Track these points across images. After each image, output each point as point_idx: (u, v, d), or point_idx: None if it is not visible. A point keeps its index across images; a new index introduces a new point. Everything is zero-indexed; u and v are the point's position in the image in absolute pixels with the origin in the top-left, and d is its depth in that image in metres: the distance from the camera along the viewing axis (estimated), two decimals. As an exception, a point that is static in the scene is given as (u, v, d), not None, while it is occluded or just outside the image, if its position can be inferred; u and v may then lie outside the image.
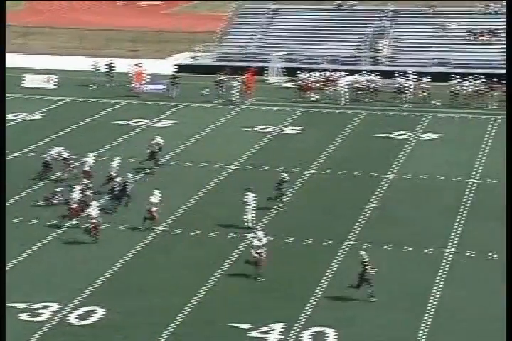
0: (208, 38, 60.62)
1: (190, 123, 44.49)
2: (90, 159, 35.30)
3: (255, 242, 26.76)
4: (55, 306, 24.26)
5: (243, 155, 39.10)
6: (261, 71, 52.85)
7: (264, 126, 43.85)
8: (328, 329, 23.58)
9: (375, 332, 23.52)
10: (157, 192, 30.38)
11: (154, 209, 30.12)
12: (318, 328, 23.68)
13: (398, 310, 24.60)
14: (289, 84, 51.30)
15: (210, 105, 48.21)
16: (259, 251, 26.59)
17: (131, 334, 23.09)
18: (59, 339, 22.69)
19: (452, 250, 28.91)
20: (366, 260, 24.98)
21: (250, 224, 30.57)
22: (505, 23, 55.15)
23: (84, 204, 31.09)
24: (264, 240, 26.86)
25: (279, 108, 47.49)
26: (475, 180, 35.80)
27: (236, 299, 25.54)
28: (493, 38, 56.07)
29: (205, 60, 57.73)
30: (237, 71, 50.47)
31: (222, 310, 24.66)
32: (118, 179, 32.65)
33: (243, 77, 49.74)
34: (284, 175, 32.72)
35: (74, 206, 30.89)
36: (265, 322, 23.97)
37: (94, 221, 29.48)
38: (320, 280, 26.73)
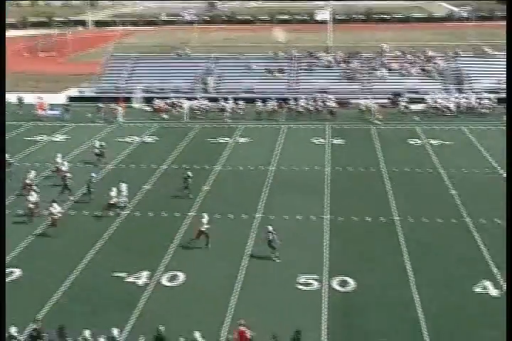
0: (90, 77, 59.61)
1: (80, 137, 43.87)
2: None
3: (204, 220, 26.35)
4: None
5: (117, 157, 39.17)
6: (128, 99, 52.73)
7: (132, 137, 43.94)
8: (179, 273, 24.36)
9: (210, 271, 24.46)
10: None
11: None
12: (173, 272, 24.33)
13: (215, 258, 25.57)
14: (148, 108, 51.55)
15: (93, 124, 47.68)
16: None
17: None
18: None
19: (260, 215, 29.91)
20: (272, 232, 25.23)
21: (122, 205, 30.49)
22: (286, 64, 57.38)
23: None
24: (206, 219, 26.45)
25: (141, 124, 47.53)
26: (273, 168, 37.18)
27: (116, 258, 25.81)
28: (280, 74, 58.04)
29: (89, 93, 56.83)
30: (112, 100, 50.34)
31: (107, 266, 24.91)
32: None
33: (116, 103, 49.53)
34: (189, 173, 32.29)
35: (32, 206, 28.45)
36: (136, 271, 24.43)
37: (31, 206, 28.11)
38: (172, 238, 27.39)
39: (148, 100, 52.75)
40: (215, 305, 22.19)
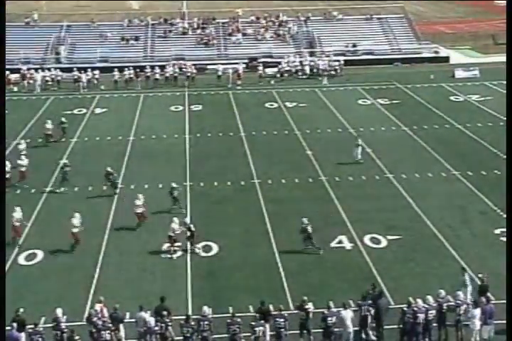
0: None
1: None
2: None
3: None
4: None
5: None
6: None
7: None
8: (37, 251, 23.31)
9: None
10: None
11: None
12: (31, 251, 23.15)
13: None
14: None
15: None
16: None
17: None
18: None
19: (120, 185, 28.94)
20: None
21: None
22: (142, 32, 55.81)
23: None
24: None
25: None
26: (132, 138, 36.27)
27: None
28: (136, 42, 56.42)
29: None
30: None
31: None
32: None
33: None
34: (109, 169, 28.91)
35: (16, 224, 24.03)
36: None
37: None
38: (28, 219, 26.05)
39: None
40: (78, 280, 21.38)
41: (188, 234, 23.29)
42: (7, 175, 28.40)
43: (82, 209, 25.73)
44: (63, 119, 29.99)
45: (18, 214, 24.19)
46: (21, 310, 18.11)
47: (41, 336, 17.07)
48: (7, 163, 29.13)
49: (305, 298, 18.11)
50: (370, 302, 18.02)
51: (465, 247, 23.15)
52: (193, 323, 17.35)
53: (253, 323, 17.34)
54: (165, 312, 17.56)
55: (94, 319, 17.53)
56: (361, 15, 61.06)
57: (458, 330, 17.87)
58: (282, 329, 17.41)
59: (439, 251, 23.12)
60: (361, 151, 31.77)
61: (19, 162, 29.52)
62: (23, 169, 29.44)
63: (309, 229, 23.04)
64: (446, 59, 55.89)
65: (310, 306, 17.93)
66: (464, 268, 20.33)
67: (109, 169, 28.70)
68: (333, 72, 50.25)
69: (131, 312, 18.59)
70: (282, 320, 17.47)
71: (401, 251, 23.23)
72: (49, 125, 35.14)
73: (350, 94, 45.48)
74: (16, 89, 46.61)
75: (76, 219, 23.51)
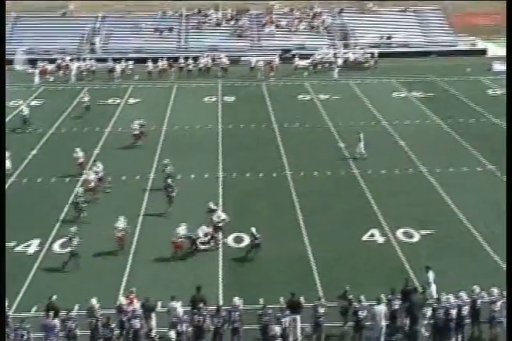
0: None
1: None
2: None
3: None
4: None
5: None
6: (10, 61, 49.35)
7: (15, 101, 41.29)
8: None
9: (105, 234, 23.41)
10: None
11: None
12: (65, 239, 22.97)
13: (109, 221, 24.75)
14: (32, 70, 48.30)
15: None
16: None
17: None
18: None
19: (153, 175, 29.09)
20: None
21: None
22: (176, 23, 55.95)
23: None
24: None
25: (25, 88, 44.91)
26: (165, 128, 36.37)
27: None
28: (170, 33, 56.48)
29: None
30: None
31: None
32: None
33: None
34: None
35: None
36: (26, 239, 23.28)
37: None
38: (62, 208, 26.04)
39: (32, 62, 49.67)
40: (110, 269, 21.54)
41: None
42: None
43: (116, 197, 25.95)
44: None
45: (121, 223, 22.62)
46: (54, 296, 18.30)
47: (74, 322, 17.25)
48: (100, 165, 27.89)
49: (347, 287, 18.05)
50: (401, 297, 17.81)
51: (500, 243, 22.69)
52: (223, 314, 17.35)
53: (279, 314, 17.25)
54: (201, 304, 17.50)
55: (125, 308, 17.65)
56: (396, 7, 60.19)
57: (492, 327, 17.56)
58: (321, 319, 17.23)
59: (473, 247, 22.76)
60: (363, 146, 31.13)
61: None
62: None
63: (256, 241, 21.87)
64: (483, 52, 54.93)
65: (352, 297, 17.78)
66: (428, 266, 19.55)
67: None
68: (366, 65, 49.68)
69: (163, 301, 18.65)
70: (322, 309, 17.38)
71: (434, 246, 22.91)
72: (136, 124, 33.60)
73: (385, 86, 44.94)
74: (51, 79, 47.07)
75: (120, 222, 22.70)
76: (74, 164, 29.52)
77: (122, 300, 18.36)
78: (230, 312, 17.38)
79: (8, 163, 28.96)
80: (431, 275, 19.05)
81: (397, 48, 54.78)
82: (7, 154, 28.98)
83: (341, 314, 17.81)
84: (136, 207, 25.96)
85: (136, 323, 17.30)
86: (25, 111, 35.13)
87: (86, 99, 38.62)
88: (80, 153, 29.33)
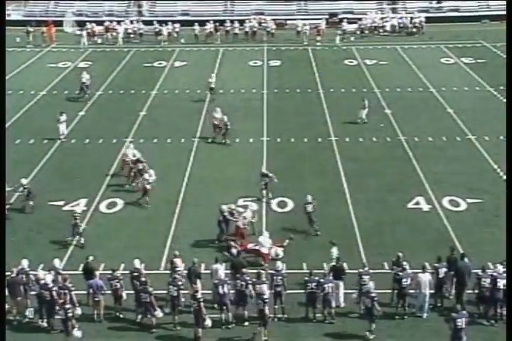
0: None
1: (9, 62, 40.00)
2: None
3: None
4: None
5: (50, 85, 37.08)
6: (59, 23, 49.49)
7: (64, 63, 41.50)
8: (117, 200, 23.59)
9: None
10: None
11: None
12: (111, 199, 23.48)
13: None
14: (80, 32, 48.13)
15: (22, 49, 44.76)
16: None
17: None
18: None
19: (197, 139, 29.01)
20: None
21: None
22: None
23: None
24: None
25: (73, 50, 44.89)
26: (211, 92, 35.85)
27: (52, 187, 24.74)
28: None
29: (16, 16, 52.77)
30: (40, 24, 46.98)
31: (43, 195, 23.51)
32: None
33: (45, 28, 46.37)
34: None
35: None
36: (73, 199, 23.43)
37: None
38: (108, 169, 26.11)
39: (80, 24, 49.53)
40: (155, 229, 21.57)
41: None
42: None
43: (160, 160, 25.89)
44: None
45: (248, 213, 21.00)
46: (91, 257, 18.27)
47: (119, 281, 17.31)
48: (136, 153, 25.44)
49: (400, 253, 17.67)
50: (447, 265, 17.32)
51: (550, 214, 21.84)
52: (264, 278, 17.13)
53: (322, 280, 16.94)
54: (244, 270, 17.34)
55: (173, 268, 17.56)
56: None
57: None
58: (366, 286, 16.76)
59: (522, 218, 21.94)
60: (366, 113, 30.17)
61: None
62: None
63: (309, 208, 21.15)
64: (538, 16, 52.36)
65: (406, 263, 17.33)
66: (333, 242, 18.93)
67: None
68: (415, 30, 48.10)
69: (207, 264, 18.58)
70: (368, 276, 17.07)
71: (481, 215, 22.24)
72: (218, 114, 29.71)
73: (433, 52, 43.45)
74: (99, 41, 46.93)
75: (148, 175, 23.00)
76: (119, 125, 29.48)
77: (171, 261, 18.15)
78: (272, 276, 17.17)
79: (63, 127, 28.90)
80: (334, 250, 18.48)
81: (447, 13, 52.77)
82: (63, 118, 28.87)
83: (394, 281, 17.31)
84: (182, 170, 25.81)
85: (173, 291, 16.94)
86: (85, 77, 34.88)
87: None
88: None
